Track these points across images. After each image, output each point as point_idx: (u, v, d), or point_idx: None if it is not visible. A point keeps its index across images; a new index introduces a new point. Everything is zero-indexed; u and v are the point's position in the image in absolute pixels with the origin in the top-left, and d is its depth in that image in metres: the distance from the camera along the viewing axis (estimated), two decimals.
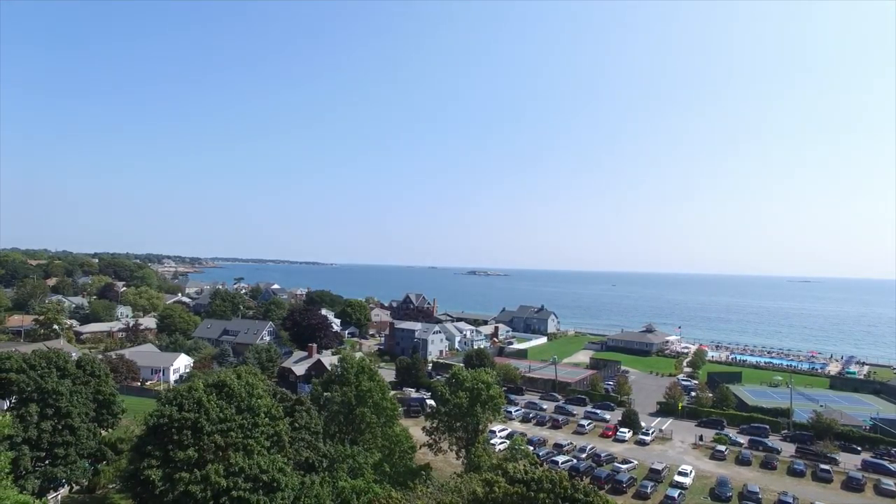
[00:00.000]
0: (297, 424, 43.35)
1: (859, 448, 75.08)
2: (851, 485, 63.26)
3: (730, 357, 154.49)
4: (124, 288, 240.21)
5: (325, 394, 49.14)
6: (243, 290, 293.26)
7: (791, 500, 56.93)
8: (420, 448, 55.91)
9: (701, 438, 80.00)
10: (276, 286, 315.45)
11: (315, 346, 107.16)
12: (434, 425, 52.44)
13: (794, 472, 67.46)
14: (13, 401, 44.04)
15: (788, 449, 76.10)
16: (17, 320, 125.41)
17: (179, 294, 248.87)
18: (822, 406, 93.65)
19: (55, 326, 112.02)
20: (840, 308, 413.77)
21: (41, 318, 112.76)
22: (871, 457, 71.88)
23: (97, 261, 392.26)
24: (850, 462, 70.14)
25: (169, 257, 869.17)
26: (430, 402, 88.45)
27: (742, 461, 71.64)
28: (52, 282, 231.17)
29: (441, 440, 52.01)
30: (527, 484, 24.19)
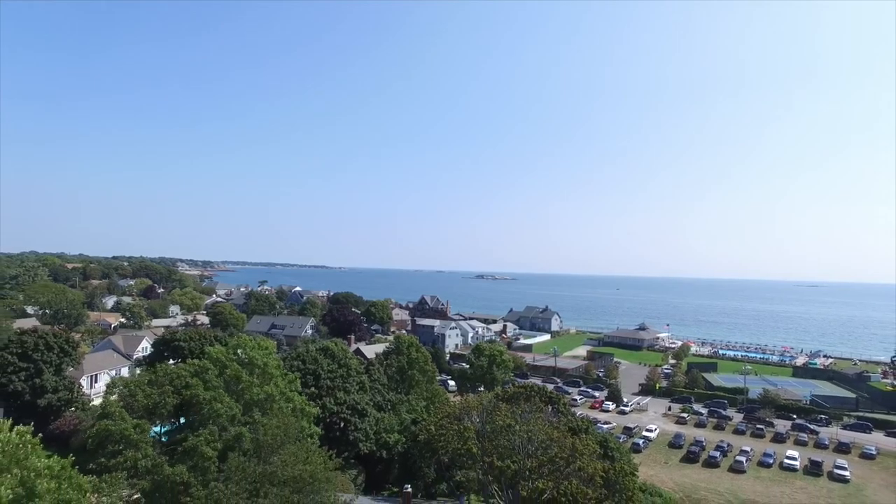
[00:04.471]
0: (371, 378, 63.80)
1: (794, 416, 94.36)
2: (777, 438, 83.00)
3: (713, 352, 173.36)
4: (161, 289, 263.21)
5: (386, 361, 69.49)
6: (267, 292, 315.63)
7: (726, 446, 76.79)
8: (452, 400, 76.39)
9: (670, 409, 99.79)
10: (298, 288, 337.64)
11: (353, 337, 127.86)
12: (463, 381, 72.83)
13: (737, 431, 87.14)
14: (178, 362, 64.80)
15: (739, 417, 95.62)
16: (96, 317, 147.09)
17: (214, 295, 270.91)
18: (777, 387, 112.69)
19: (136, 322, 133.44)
20: (831, 311, 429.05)
21: (128, 314, 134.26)
22: (804, 421, 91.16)
23: (127, 264, 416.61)
24: (782, 425, 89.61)
25: (182, 261, 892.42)
26: (451, 382, 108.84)
27: (699, 424, 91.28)
28: (98, 284, 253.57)
29: (467, 393, 72.29)
30: (525, 388, 43.91)
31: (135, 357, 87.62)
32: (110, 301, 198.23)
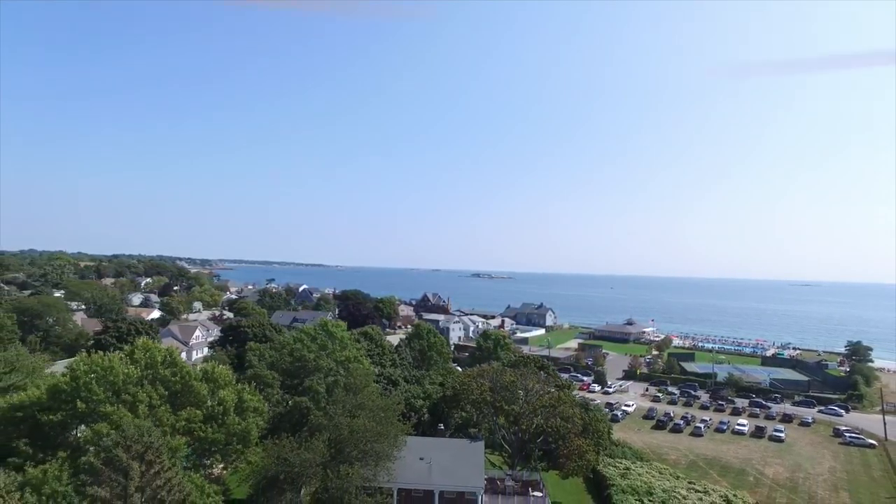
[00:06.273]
0: (400, 356, 79.14)
1: (753, 395, 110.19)
2: (735, 412, 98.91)
3: (693, 344, 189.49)
4: (176, 287, 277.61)
5: (410, 344, 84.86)
6: (275, 290, 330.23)
7: (689, 417, 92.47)
8: None
9: (647, 390, 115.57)
10: (304, 286, 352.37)
11: None
12: (473, 361, 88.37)
13: (703, 407, 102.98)
14: (240, 344, 79.71)
15: (706, 396, 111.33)
16: (134, 312, 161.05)
17: (227, 292, 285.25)
18: (742, 373, 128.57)
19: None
20: (817, 309, 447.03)
21: (170, 308, 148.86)
22: (760, 399, 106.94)
23: (138, 262, 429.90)
24: (741, 402, 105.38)
25: (180, 259, 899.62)
26: (459, 370, 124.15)
27: (671, 402, 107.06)
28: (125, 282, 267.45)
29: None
30: (524, 358, 59.13)
31: (190, 343, 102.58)
32: (135, 297, 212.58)
